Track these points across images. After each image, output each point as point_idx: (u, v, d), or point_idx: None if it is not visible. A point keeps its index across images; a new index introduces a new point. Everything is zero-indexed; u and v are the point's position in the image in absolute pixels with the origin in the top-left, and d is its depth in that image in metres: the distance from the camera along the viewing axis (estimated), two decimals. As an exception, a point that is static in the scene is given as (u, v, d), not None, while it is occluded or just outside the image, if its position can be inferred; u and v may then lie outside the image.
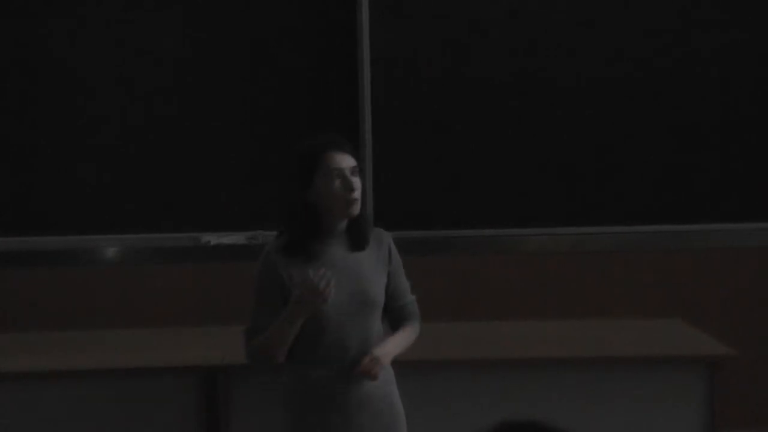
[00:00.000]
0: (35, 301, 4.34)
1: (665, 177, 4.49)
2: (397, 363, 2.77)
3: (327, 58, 4.43)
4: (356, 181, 2.65)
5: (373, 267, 2.72)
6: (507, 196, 4.46)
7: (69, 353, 3.37)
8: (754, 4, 4.49)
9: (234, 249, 4.36)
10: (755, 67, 4.50)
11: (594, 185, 4.48)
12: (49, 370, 3.17)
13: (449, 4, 4.42)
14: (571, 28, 4.46)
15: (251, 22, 4.41)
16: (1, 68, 4.37)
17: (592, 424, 3.15)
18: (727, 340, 3.32)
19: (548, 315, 4.15)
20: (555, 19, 4.45)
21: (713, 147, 4.50)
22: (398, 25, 4.42)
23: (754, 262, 4.52)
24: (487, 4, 4.43)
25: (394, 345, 2.74)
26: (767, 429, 4.43)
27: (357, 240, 2.71)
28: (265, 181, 4.40)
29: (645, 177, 4.49)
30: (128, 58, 4.39)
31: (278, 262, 2.66)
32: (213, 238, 4.39)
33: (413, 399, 2.83)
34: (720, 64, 4.49)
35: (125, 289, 4.39)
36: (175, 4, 4.39)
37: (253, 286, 2.72)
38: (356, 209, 2.66)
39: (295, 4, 4.42)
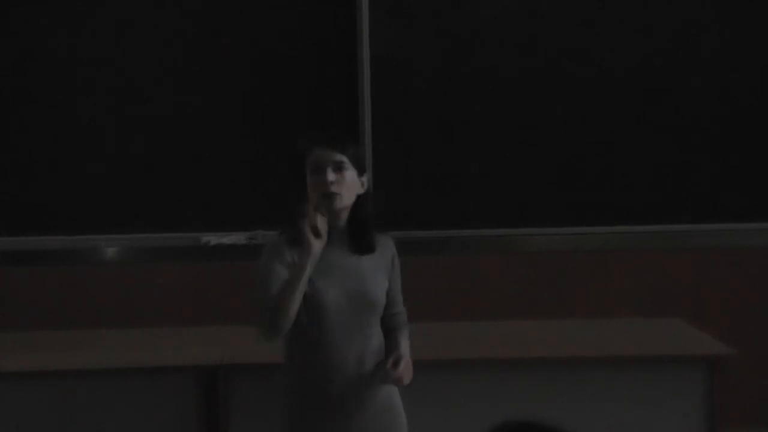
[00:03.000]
0: (35, 301, 4.34)
1: (665, 176, 4.50)
2: (397, 363, 2.77)
3: (327, 58, 4.43)
4: (334, 176, 2.61)
5: (374, 269, 2.71)
6: (507, 195, 4.46)
7: (69, 353, 3.36)
8: (754, 4, 4.49)
9: (234, 249, 4.36)
10: (755, 67, 4.51)
11: (594, 185, 4.49)
12: (49, 369, 3.16)
13: (449, 3, 4.43)
14: (571, 29, 4.46)
15: (251, 22, 4.41)
16: (2, 68, 4.37)
17: (592, 424, 3.15)
18: (727, 340, 3.32)
19: (548, 315, 4.15)
20: (555, 20, 4.45)
21: (713, 147, 4.51)
22: (398, 25, 4.42)
23: (754, 262, 4.52)
24: (487, 4, 4.43)
25: (407, 350, 2.74)
26: (767, 429, 4.43)
27: (358, 243, 2.70)
28: (265, 181, 4.40)
29: (645, 177, 4.49)
30: (128, 58, 4.39)
31: (283, 248, 2.65)
32: (213, 238, 4.39)
33: (413, 399, 2.82)
34: (720, 63, 4.49)
35: (125, 289, 4.39)
36: (175, 5, 4.39)
37: (258, 267, 2.65)
38: (336, 203, 2.63)
39: (295, 4, 4.42)
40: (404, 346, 2.73)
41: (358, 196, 2.69)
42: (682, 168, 4.50)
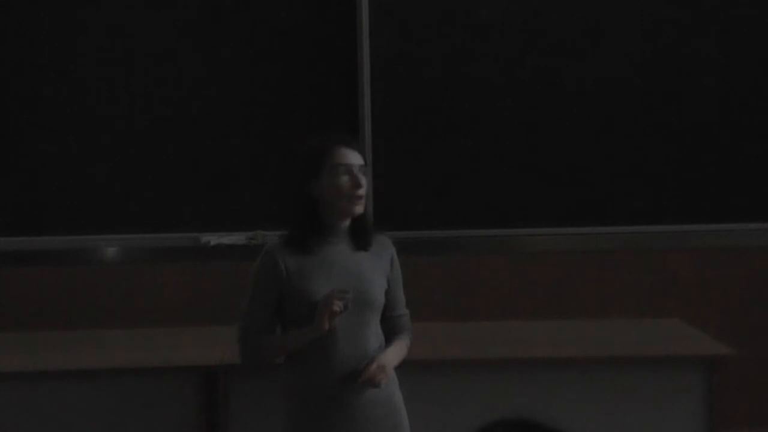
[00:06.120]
0: (35, 301, 4.34)
1: (666, 177, 4.49)
2: (397, 363, 2.77)
3: (327, 58, 4.43)
4: (363, 179, 2.65)
5: (373, 269, 2.72)
6: (506, 196, 4.46)
7: (69, 353, 3.36)
8: (754, 4, 4.49)
9: (234, 249, 4.36)
10: (755, 68, 4.50)
11: (594, 185, 4.48)
12: (50, 370, 3.16)
13: (449, 4, 4.43)
14: (571, 30, 4.46)
15: (251, 22, 4.41)
16: (2, 68, 4.37)
17: (592, 424, 3.15)
18: (727, 340, 3.32)
19: (548, 315, 4.15)
20: (555, 21, 4.45)
21: (713, 147, 4.50)
22: (398, 25, 4.42)
23: (754, 262, 4.52)
24: (487, 5, 4.43)
25: (394, 354, 2.74)
26: (767, 429, 4.43)
27: (359, 240, 2.71)
28: (265, 181, 4.40)
29: (645, 177, 4.49)
30: (129, 59, 4.39)
31: (279, 256, 2.66)
32: (213, 238, 4.39)
33: (413, 399, 2.82)
34: (720, 64, 4.49)
35: (125, 289, 4.39)
36: (176, 5, 4.39)
37: (250, 280, 2.71)
38: (360, 207, 2.66)
39: (295, 4, 4.42)
40: (390, 350, 2.72)
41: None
42: (682, 168, 4.50)
